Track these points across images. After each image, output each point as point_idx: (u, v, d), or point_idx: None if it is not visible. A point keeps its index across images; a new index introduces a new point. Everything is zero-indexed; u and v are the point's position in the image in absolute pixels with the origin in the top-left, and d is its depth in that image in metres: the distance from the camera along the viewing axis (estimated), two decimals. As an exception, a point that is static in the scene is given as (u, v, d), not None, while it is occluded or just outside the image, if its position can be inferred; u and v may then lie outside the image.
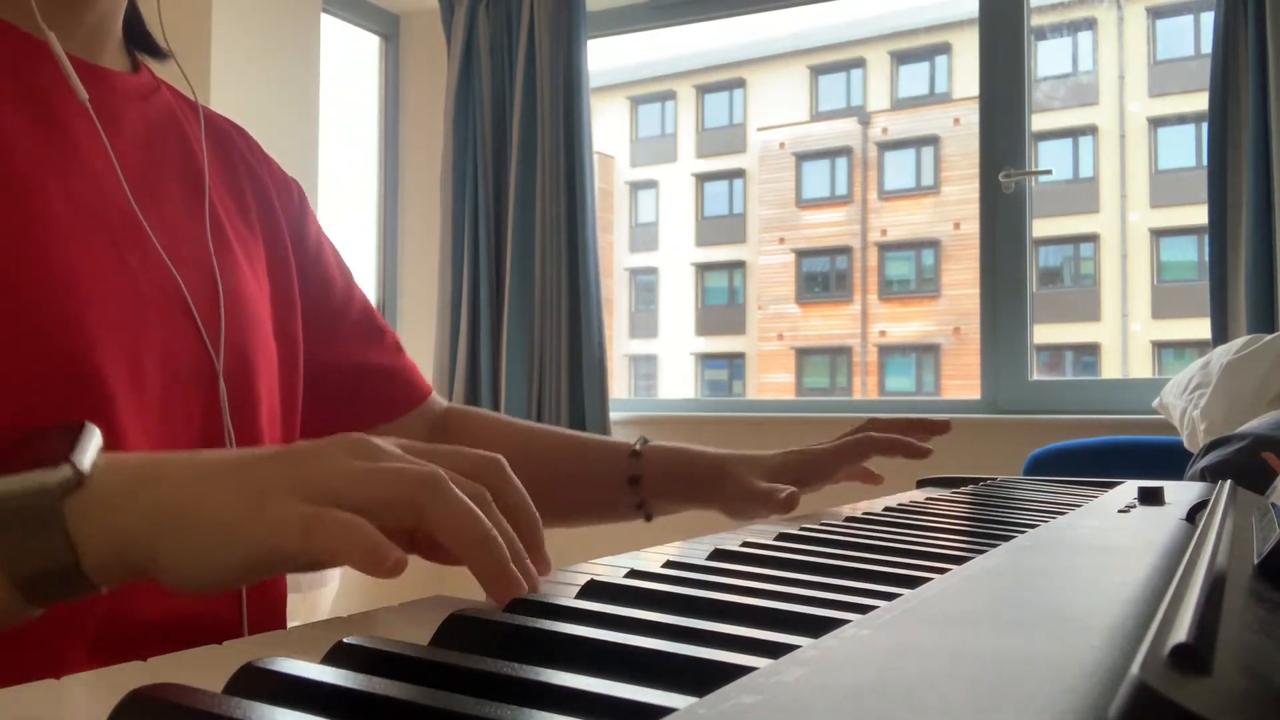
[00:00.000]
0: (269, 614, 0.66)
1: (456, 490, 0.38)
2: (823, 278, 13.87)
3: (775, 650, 0.27)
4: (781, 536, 0.53)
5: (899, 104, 13.44)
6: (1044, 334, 11.07)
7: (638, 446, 0.82)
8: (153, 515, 0.38)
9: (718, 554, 0.47)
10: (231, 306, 0.65)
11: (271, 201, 0.76)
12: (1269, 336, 1.87)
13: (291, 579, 1.79)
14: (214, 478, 0.39)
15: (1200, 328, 2.33)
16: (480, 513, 0.38)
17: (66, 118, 0.60)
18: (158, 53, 0.72)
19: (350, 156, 3.30)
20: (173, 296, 0.61)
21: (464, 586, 0.41)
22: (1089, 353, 12.00)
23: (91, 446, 0.40)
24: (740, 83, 14.15)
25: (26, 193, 0.55)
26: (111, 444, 0.54)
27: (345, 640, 0.29)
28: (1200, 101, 2.32)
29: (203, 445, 0.61)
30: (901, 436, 0.77)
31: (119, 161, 0.62)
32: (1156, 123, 11.61)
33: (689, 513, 0.80)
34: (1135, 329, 11.69)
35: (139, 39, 0.71)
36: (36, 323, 0.53)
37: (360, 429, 0.81)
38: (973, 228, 2.69)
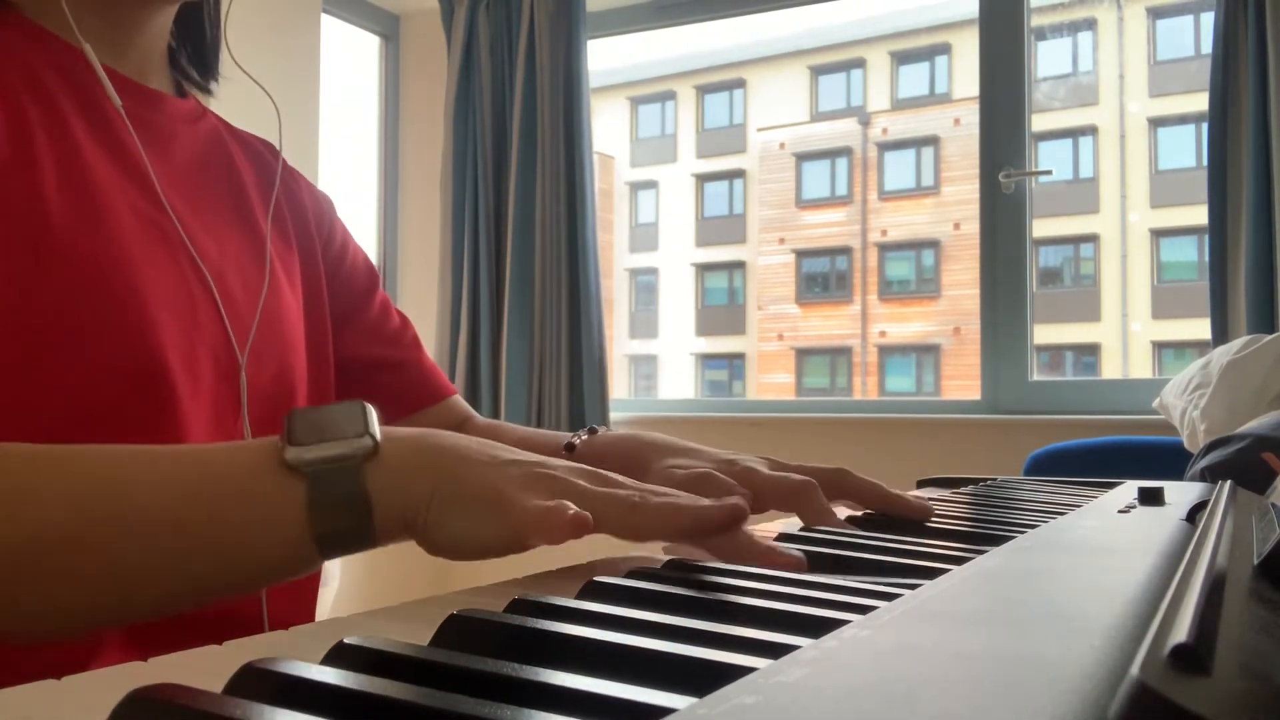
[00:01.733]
0: (295, 608, 0.68)
1: (651, 499, 0.47)
2: (823, 278, 13.88)
3: (775, 650, 0.27)
4: (781, 537, 0.53)
5: (899, 104, 13.44)
6: (1044, 334, 11.08)
7: (576, 440, 0.76)
8: (434, 485, 0.44)
9: (718, 554, 0.47)
10: (272, 323, 0.69)
11: (305, 214, 0.80)
12: (1269, 336, 1.87)
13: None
14: (488, 464, 0.45)
15: (1200, 328, 2.33)
16: (675, 500, 0.47)
17: (124, 135, 0.64)
18: (201, 83, 0.78)
19: (350, 156, 3.30)
20: (217, 305, 0.66)
21: (464, 585, 0.41)
22: (1089, 353, 12.01)
23: (376, 422, 0.46)
24: (740, 83, 14.16)
25: (102, 204, 0.60)
26: (175, 434, 0.60)
27: (345, 640, 0.29)
28: (1200, 101, 2.33)
29: (240, 439, 0.66)
30: (836, 517, 0.59)
31: (171, 179, 0.66)
32: (1156, 123, 11.62)
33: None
34: (1135, 329, 11.70)
35: (184, 68, 0.76)
36: (115, 324, 0.58)
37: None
38: (973, 228, 2.69)
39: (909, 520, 0.61)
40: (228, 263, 0.68)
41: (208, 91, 0.78)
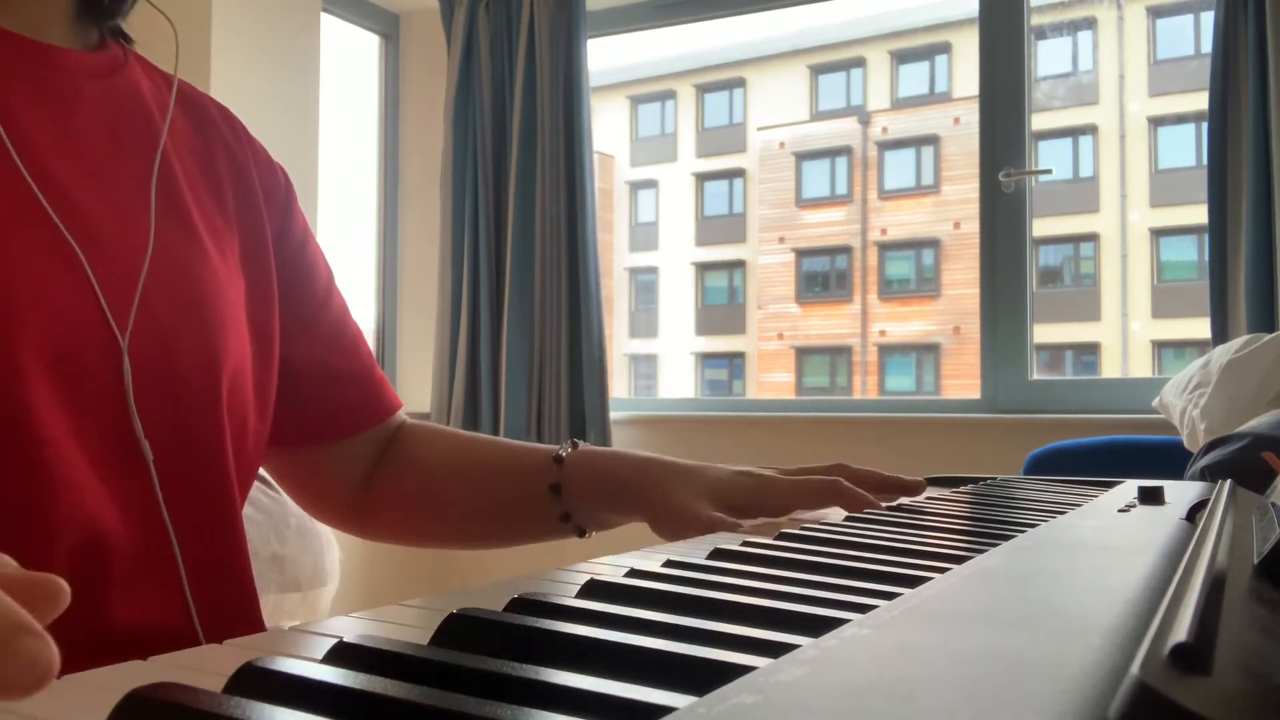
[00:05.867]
0: (231, 618, 0.62)
1: None
2: (823, 277, 13.87)
3: (775, 650, 0.27)
4: (781, 536, 0.53)
5: (899, 104, 13.43)
6: (1044, 334, 11.07)
7: (563, 452, 0.75)
8: None
9: (718, 554, 0.47)
10: (190, 300, 0.62)
11: (253, 189, 0.71)
12: (1269, 336, 1.87)
13: (291, 578, 1.78)
14: None
15: (1200, 327, 2.33)
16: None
17: (8, 105, 0.57)
18: (117, 32, 0.69)
19: (350, 156, 3.30)
20: (93, 287, 0.57)
21: (464, 584, 0.41)
22: (1089, 352, 12.00)
23: None
24: (740, 82, 14.15)
25: None
26: (36, 436, 0.52)
27: (345, 640, 0.29)
28: (1200, 101, 2.33)
29: (132, 441, 0.57)
30: (870, 496, 0.68)
31: (65, 143, 0.59)
32: (1156, 122, 11.61)
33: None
34: (1135, 329, 11.69)
35: (102, 17, 0.66)
36: None
37: (328, 438, 0.77)
38: (973, 227, 2.69)
39: (909, 495, 0.69)
40: (129, 233, 0.59)
41: (124, 39, 0.69)
